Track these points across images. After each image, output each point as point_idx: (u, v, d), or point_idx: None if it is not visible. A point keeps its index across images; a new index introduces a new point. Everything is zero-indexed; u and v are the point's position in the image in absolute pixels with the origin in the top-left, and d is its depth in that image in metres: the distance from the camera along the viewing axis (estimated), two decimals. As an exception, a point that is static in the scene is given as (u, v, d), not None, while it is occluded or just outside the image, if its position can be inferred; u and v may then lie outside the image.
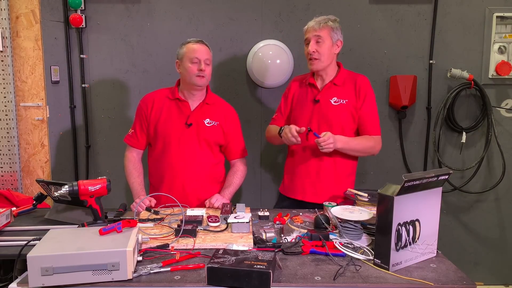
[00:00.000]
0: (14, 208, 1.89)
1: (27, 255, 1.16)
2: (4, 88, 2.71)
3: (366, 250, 1.43)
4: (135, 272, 1.25)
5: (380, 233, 1.30)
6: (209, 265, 1.19)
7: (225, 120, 2.11)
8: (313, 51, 1.97)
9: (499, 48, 2.77)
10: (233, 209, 1.82)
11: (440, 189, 1.40)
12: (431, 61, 2.80)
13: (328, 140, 1.84)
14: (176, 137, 2.03)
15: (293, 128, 1.89)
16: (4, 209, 1.67)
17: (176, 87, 2.10)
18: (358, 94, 2.01)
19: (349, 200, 1.90)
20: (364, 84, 2.02)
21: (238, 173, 2.15)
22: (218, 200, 1.96)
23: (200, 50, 1.99)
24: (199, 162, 2.04)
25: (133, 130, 2.13)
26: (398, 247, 1.29)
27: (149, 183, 2.19)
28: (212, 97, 2.12)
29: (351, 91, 2.02)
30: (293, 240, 1.50)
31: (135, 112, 2.16)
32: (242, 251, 1.30)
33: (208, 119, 2.06)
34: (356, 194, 1.86)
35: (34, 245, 1.24)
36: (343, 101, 2.01)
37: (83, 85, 2.79)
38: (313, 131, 1.90)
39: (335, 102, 2.01)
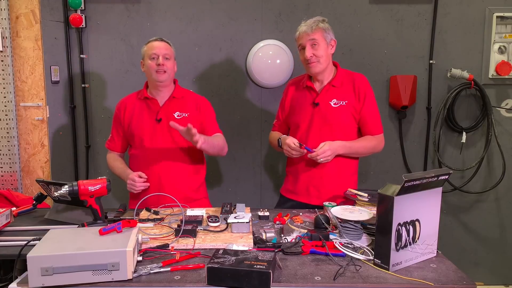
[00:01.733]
0: (14, 208, 1.89)
1: (27, 255, 1.16)
2: (4, 88, 2.71)
3: (366, 250, 1.43)
4: (135, 272, 1.24)
5: (380, 233, 1.30)
6: (209, 265, 1.19)
7: (196, 110, 2.11)
8: (311, 56, 1.95)
9: (499, 48, 2.77)
10: (233, 209, 1.82)
11: (440, 189, 1.40)
12: (431, 61, 2.80)
13: (325, 154, 1.87)
14: (148, 134, 2.06)
15: (291, 143, 1.92)
16: (4, 209, 1.67)
17: (145, 88, 2.15)
18: (357, 94, 2.00)
19: (349, 200, 1.90)
20: (363, 84, 2.01)
21: (218, 135, 2.11)
22: (196, 136, 1.83)
23: (158, 46, 2.04)
24: (174, 156, 2.05)
25: (111, 135, 2.20)
26: (398, 247, 1.29)
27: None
28: (180, 91, 2.14)
29: (350, 92, 2.01)
30: (293, 240, 1.50)
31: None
32: (242, 251, 1.30)
33: (178, 112, 2.08)
34: (356, 194, 1.86)
35: (34, 245, 1.24)
36: (343, 103, 1.99)
37: (83, 85, 2.79)
38: (305, 145, 1.92)
39: (334, 104, 2.00)
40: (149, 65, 2.02)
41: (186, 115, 2.08)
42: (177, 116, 2.07)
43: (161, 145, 2.05)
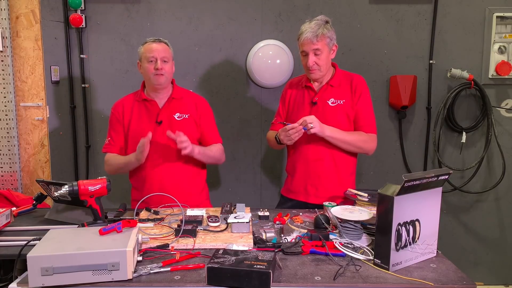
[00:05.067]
0: (14, 208, 1.89)
1: (27, 255, 1.16)
2: (4, 88, 2.71)
3: (366, 250, 1.43)
4: (135, 272, 1.24)
5: (380, 233, 1.30)
6: (209, 265, 1.19)
7: (196, 111, 2.09)
8: (313, 64, 1.96)
9: (499, 48, 2.77)
10: (233, 209, 1.82)
11: (440, 189, 1.40)
12: (431, 61, 2.80)
13: (311, 118, 1.86)
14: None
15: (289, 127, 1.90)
16: (4, 209, 1.67)
17: (142, 89, 2.11)
18: (354, 92, 2.02)
19: (349, 200, 1.90)
20: (360, 83, 2.03)
21: (216, 146, 2.10)
22: (185, 143, 1.86)
23: (157, 49, 1.98)
24: (175, 158, 2.01)
25: (109, 138, 2.10)
26: (398, 247, 1.29)
27: (131, 185, 2.15)
28: (179, 91, 2.10)
29: (347, 91, 2.02)
30: (293, 240, 1.50)
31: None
32: (242, 251, 1.30)
33: (178, 113, 2.05)
34: (356, 194, 1.86)
35: (34, 245, 1.24)
36: (340, 102, 2.01)
37: (83, 85, 2.79)
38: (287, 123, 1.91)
39: (332, 103, 2.01)
40: (147, 68, 1.98)
41: (187, 116, 2.06)
42: (178, 117, 2.04)
43: (162, 147, 2.01)
